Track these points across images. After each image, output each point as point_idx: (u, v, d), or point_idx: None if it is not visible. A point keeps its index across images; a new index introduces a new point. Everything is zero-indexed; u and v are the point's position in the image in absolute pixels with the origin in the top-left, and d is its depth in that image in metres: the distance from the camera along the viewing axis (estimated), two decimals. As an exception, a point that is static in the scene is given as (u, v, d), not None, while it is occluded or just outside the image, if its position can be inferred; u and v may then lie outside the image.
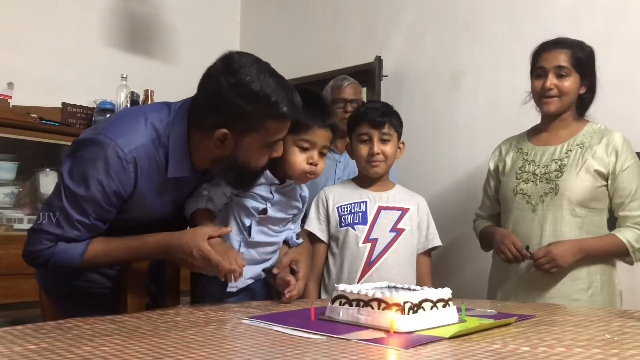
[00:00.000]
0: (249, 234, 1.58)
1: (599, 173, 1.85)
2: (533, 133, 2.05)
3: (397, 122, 1.97)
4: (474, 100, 2.91)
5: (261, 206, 1.58)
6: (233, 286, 1.54)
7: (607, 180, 1.86)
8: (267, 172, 1.57)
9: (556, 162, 1.90)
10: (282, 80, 1.42)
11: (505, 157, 2.07)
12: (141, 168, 1.40)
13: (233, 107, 1.35)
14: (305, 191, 1.71)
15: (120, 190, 1.39)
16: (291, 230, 1.71)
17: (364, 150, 1.94)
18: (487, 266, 2.69)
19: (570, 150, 1.90)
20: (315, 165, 1.56)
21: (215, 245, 1.42)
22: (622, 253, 1.83)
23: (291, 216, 1.68)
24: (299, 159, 1.55)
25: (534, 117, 2.29)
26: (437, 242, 2.03)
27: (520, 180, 1.96)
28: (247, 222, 1.58)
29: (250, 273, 1.59)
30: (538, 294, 1.86)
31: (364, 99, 2.74)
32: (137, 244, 1.44)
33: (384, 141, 1.93)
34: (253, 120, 1.37)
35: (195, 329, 1.12)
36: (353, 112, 2.14)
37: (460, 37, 2.96)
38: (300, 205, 1.69)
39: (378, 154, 1.92)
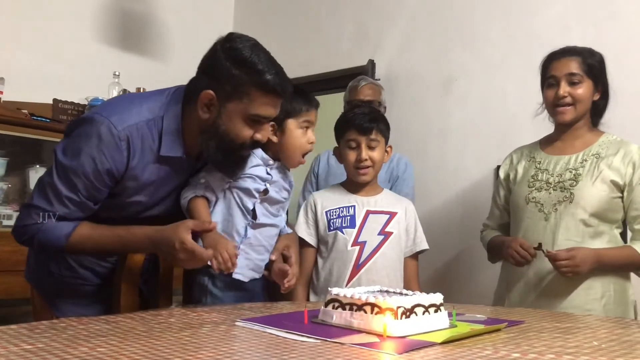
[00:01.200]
0: (254, 216, 1.60)
1: (614, 184, 1.82)
2: (546, 142, 2.02)
3: (384, 127, 1.99)
4: (465, 106, 2.94)
5: (261, 187, 1.61)
6: (239, 273, 1.55)
7: (622, 191, 1.83)
8: (262, 153, 1.62)
9: (571, 171, 1.87)
10: (276, 62, 1.45)
11: (517, 166, 2.04)
12: (134, 147, 1.42)
13: (221, 68, 1.40)
14: (291, 179, 1.75)
15: (112, 168, 1.40)
16: (283, 218, 1.75)
17: (351, 156, 1.96)
18: (477, 270, 2.73)
19: (586, 160, 1.87)
20: (313, 143, 1.67)
21: (207, 235, 1.44)
22: (637, 266, 1.82)
23: (283, 200, 1.71)
24: (303, 140, 1.64)
25: (524, 124, 2.33)
26: (424, 245, 2.05)
27: (533, 188, 1.93)
28: (249, 204, 1.60)
29: (255, 264, 1.62)
30: (549, 303, 1.82)
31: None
32: (124, 233, 1.43)
33: (371, 147, 1.95)
34: (238, 85, 1.40)
35: (190, 331, 1.13)
36: (340, 116, 2.14)
37: (453, 43, 2.99)
38: (289, 188, 1.72)
39: (366, 159, 1.94)
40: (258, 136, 1.48)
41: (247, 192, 1.60)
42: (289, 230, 1.77)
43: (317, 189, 2.50)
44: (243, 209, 1.60)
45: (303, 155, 1.67)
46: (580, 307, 1.79)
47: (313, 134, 1.67)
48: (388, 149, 2.03)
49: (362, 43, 3.32)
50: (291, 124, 1.63)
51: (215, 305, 1.47)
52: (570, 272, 1.77)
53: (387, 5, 3.26)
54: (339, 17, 3.48)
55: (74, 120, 1.48)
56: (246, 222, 1.61)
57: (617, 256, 1.83)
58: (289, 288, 1.60)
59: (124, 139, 1.40)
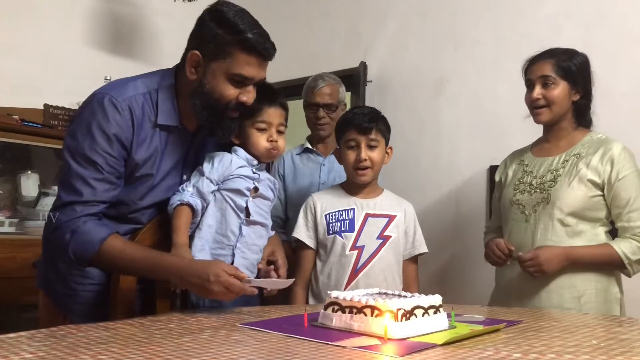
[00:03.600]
0: (247, 214, 1.61)
1: (592, 182, 1.83)
2: (536, 144, 2.05)
3: (384, 128, 1.98)
4: (457, 106, 2.95)
5: (251, 185, 1.63)
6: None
7: (602, 190, 1.84)
8: (245, 154, 1.66)
9: (552, 173, 1.90)
10: (261, 26, 1.50)
11: (508, 169, 2.08)
12: (137, 116, 1.48)
13: (206, 29, 1.48)
14: (276, 181, 1.77)
15: (119, 134, 1.45)
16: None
17: (351, 156, 1.95)
18: (471, 270, 2.74)
19: (567, 161, 1.89)
20: (276, 142, 1.66)
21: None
22: (618, 264, 1.80)
23: (271, 200, 1.72)
24: (260, 140, 1.65)
25: (516, 123, 2.34)
26: (424, 248, 2.05)
27: (517, 191, 1.96)
28: (242, 203, 1.61)
29: (250, 263, 1.63)
30: (529, 302, 1.84)
31: (346, 100, 2.64)
32: (156, 255, 1.44)
33: (371, 147, 1.94)
34: (220, 44, 1.46)
35: (190, 336, 1.13)
36: (341, 117, 2.14)
37: (444, 44, 3.01)
38: (274, 190, 1.74)
39: (365, 160, 1.93)
40: (243, 98, 1.51)
41: (238, 192, 1.61)
42: (271, 232, 1.76)
43: (285, 191, 2.49)
44: (236, 208, 1.61)
45: (269, 153, 1.66)
46: (559, 306, 1.80)
47: (276, 133, 1.66)
48: (388, 150, 2.02)
49: (354, 45, 3.33)
50: (246, 125, 1.64)
51: (213, 310, 1.47)
52: (536, 271, 1.80)
53: (378, 8, 3.27)
54: (331, 19, 3.48)
55: (78, 109, 1.54)
56: (240, 221, 1.61)
57: (590, 254, 1.81)
58: (272, 292, 1.65)
59: (126, 109, 1.46)
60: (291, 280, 1.61)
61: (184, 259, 1.44)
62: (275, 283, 1.61)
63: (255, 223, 1.64)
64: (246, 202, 1.61)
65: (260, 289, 1.65)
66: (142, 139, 1.50)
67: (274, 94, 1.69)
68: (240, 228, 1.60)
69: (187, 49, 1.52)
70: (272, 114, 1.66)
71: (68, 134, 1.49)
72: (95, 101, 1.46)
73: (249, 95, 1.52)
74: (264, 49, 1.48)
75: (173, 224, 1.54)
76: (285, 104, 1.73)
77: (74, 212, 1.41)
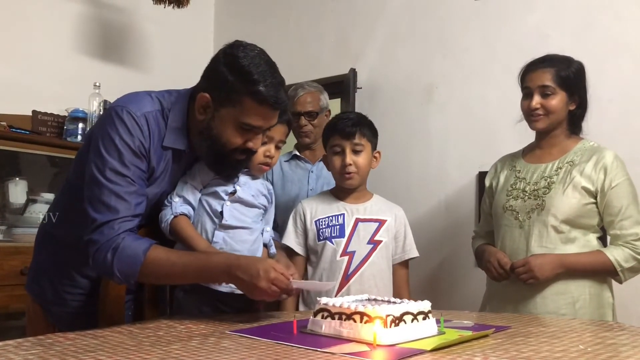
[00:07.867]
0: (221, 219, 1.58)
1: (586, 190, 1.85)
2: (527, 151, 2.06)
3: (369, 132, 1.98)
4: (446, 113, 2.97)
5: (229, 189, 1.61)
6: (227, 286, 1.52)
7: (595, 197, 1.85)
8: None
9: (545, 180, 1.90)
10: (276, 74, 1.47)
11: (500, 175, 2.08)
12: (152, 131, 1.47)
13: (218, 74, 1.44)
14: (270, 187, 1.75)
15: (142, 149, 1.45)
16: (268, 233, 1.70)
17: (337, 162, 1.96)
18: (461, 276, 2.75)
19: (560, 168, 1.90)
20: (271, 158, 1.66)
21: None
22: (610, 271, 1.82)
23: (261, 207, 1.68)
24: (259, 152, 1.62)
25: (505, 130, 2.36)
26: (414, 253, 2.05)
27: (510, 197, 1.96)
28: (218, 207, 1.59)
29: None
30: (524, 308, 1.85)
31: (334, 107, 2.64)
32: (202, 256, 1.45)
33: (356, 152, 1.94)
34: (231, 92, 1.43)
35: (179, 344, 1.12)
36: (327, 122, 2.15)
37: (433, 52, 3.03)
38: (268, 196, 1.71)
39: (350, 165, 1.93)
40: (250, 145, 1.50)
41: (215, 195, 1.60)
42: (274, 252, 1.71)
43: (279, 198, 2.47)
44: (211, 213, 1.59)
45: (260, 167, 1.67)
46: (554, 312, 1.81)
47: (274, 148, 1.66)
48: (376, 155, 2.02)
49: (344, 52, 3.34)
50: None
51: (202, 317, 1.46)
52: (529, 278, 1.81)
53: (368, 15, 3.28)
54: (321, 26, 3.49)
55: (96, 125, 1.54)
56: (214, 225, 1.58)
57: (583, 261, 1.83)
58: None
59: (144, 124, 1.45)
60: (332, 284, 1.63)
61: (232, 255, 1.45)
62: (317, 286, 1.65)
63: (231, 227, 1.59)
64: (222, 206, 1.59)
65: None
66: (157, 156, 1.49)
67: (284, 109, 1.65)
68: (213, 231, 1.57)
69: (199, 87, 1.50)
70: (276, 130, 1.64)
71: (90, 150, 1.45)
72: (114, 114, 1.43)
73: (256, 142, 1.51)
74: (275, 102, 1.45)
75: (182, 236, 1.53)
76: (291, 120, 1.72)
77: (111, 230, 1.37)
